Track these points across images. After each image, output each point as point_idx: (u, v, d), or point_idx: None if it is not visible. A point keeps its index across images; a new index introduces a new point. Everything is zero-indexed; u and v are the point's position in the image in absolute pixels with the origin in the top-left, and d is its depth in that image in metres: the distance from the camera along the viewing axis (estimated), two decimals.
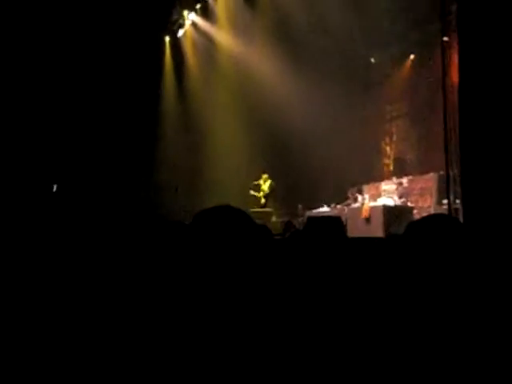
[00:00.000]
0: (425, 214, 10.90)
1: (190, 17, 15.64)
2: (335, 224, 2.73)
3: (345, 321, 1.96)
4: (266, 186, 13.47)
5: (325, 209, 12.33)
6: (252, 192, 13.43)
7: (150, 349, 1.65)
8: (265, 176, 13.49)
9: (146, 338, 1.70)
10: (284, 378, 1.59)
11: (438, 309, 1.94)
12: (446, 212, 8.52)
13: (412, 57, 12.69)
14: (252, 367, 1.57)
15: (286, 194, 13.98)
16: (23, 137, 13.20)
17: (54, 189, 13.92)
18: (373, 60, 13.63)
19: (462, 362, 1.75)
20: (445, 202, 9.34)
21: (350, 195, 12.47)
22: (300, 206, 13.27)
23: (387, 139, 14.18)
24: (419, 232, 2.18)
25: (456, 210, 7.70)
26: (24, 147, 13.11)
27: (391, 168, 13.39)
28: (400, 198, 11.14)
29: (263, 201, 13.45)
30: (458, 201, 7.59)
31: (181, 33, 16.20)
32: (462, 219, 6.65)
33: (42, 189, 13.60)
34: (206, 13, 15.18)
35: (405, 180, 11.79)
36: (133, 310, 1.94)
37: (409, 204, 11.09)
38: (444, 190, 9.05)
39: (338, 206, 12.34)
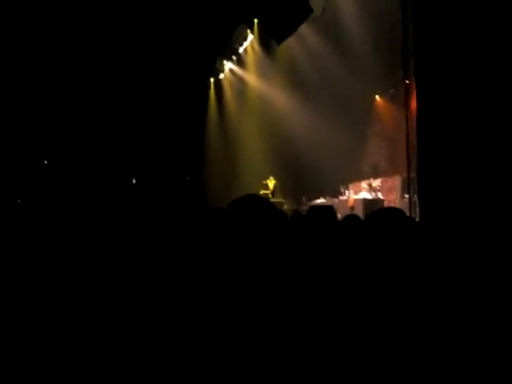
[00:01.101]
0: (392, 205, 10.88)
1: (228, 64, 15.68)
2: (329, 211, 2.77)
3: (333, 282, 1.85)
4: (271, 184, 13.52)
5: (322, 200, 12.29)
6: (262, 191, 13.38)
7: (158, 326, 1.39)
8: (271, 177, 13.53)
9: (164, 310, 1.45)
10: (283, 356, 1.36)
11: (399, 277, 1.77)
12: (407, 204, 8.47)
13: (384, 93, 12.59)
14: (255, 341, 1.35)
15: (294, 189, 13.96)
16: (103, 140, 13.27)
17: (134, 182, 14.07)
18: (357, 94, 13.51)
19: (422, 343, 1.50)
20: (406, 196, 9.28)
21: (341, 190, 12.42)
22: (304, 198, 13.25)
23: (366, 151, 14.07)
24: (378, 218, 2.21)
25: (414, 202, 7.63)
26: (106, 149, 13.15)
27: (369, 171, 13.29)
28: (374, 193, 11.08)
29: (270, 196, 13.43)
30: (415, 195, 7.52)
31: (221, 76, 16.25)
32: (418, 209, 6.64)
33: (123, 182, 13.69)
34: (240, 62, 15.21)
35: (378, 180, 11.72)
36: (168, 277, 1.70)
37: (381, 197, 10.99)
38: (406, 188, 8.98)
39: (332, 198, 12.31)
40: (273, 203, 1.75)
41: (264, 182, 13.54)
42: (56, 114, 13.07)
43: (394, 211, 2.10)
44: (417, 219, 6.55)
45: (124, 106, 13.67)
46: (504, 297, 1.79)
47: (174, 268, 1.83)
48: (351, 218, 2.83)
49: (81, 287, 1.87)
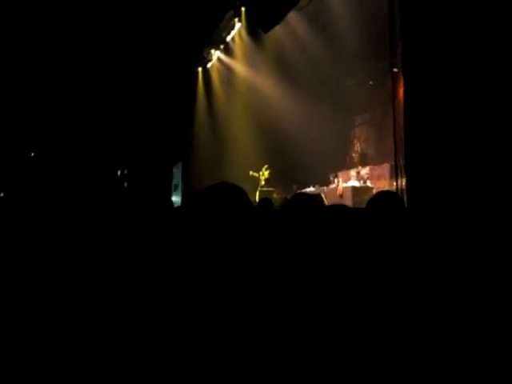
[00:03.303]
0: None
1: (216, 53, 15.61)
2: (314, 199, 2.77)
3: (320, 266, 1.84)
4: (266, 173, 13.54)
5: (311, 189, 12.35)
6: (251, 173, 13.45)
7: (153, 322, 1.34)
8: (265, 167, 13.56)
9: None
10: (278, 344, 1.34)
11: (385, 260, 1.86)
12: (395, 190, 8.54)
13: (372, 82, 12.64)
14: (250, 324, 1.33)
15: (285, 177, 13.98)
16: (94, 135, 13.21)
17: (119, 174, 14.02)
18: (345, 83, 13.58)
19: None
20: (394, 184, 9.34)
21: (330, 178, 12.47)
22: (294, 187, 13.30)
23: (355, 139, 14.15)
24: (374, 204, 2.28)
25: (402, 189, 7.71)
26: (92, 140, 13.08)
27: (358, 160, 13.38)
28: (363, 181, 11.17)
29: (263, 183, 13.48)
30: (403, 183, 7.58)
31: (209, 65, 16.18)
32: (406, 196, 6.73)
33: (109, 174, 13.63)
34: (227, 50, 15.14)
35: (367, 168, 11.80)
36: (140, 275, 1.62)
37: (369, 185, 11.07)
38: (394, 176, 9.05)
39: (321, 187, 12.38)
40: (260, 193, 1.73)
41: (260, 173, 13.57)
42: (40, 104, 12.94)
43: (389, 195, 2.17)
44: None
45: (110, 97, 13.58)
46: (489, 281, 1.83)
47: (154, 261, 1.78)
48: (338, 207, 2.84)
49: (65, 281, 1.83)
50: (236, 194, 1.53)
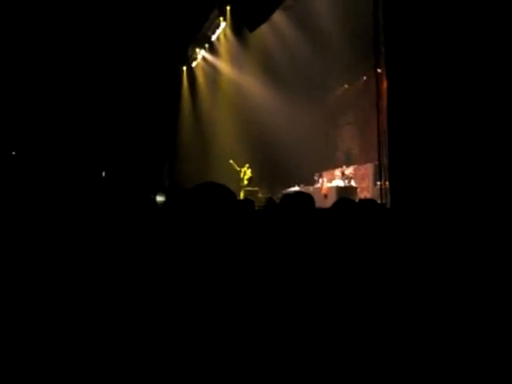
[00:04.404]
0: (365, 193, 11.03)
1: (201, 52, 15.60)
2: (306, 198, 2.72)
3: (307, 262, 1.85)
4: (248, 172, 13.52)
5: (296, 188, 12.36)
6: (231, 161, 13.43)
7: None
8: (247, 165, 13.55)
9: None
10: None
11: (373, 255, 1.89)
12: (378, 190, 8.62)
13: (356, 82, 12.72)
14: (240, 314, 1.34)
15: (270, 177, 14.00)
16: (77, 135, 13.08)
17: (103, 175, 13.89)
18: (330, 83, 13.63)
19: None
20: (378, 183, 9.43)
21: (315, 178, 12.52)
22: (278, 186, 13.29)
23: (339, 139, 14.25)
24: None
25: (385, 189, 7.78)
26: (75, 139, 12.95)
27: (342, 159, 13.46)
28: (348, 180, 11.24)
29: (246, 182, 13.42)
30: (387, 183, 7.65)
31: (194, 64, 16.15)
32: (390, 195, 6.82)
33: (94, 174, 13.49)
34: (212, 49, 15.14)
35: (351, 168, 11.87)
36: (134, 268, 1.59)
37: (354, 185, 11.14)
38: (377, 175, 9.13)
39: (306, 186, 12.41)
40: (244, 193, 1.73)
41: (236, 166, 13.55)
42: (22, 102, 12.75)
43: (366, 202, 2.20)
44: (387, 206, 6.73)
45: (93, 96, 13.44)
46: (471, 278, 1.87)
47: (138, 258, 1.75)
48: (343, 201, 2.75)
49: (48, 279, 1.77)
50: (224, 194, 1.53)
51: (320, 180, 12.16)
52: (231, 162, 13.43)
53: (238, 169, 13.47)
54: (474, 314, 1.60)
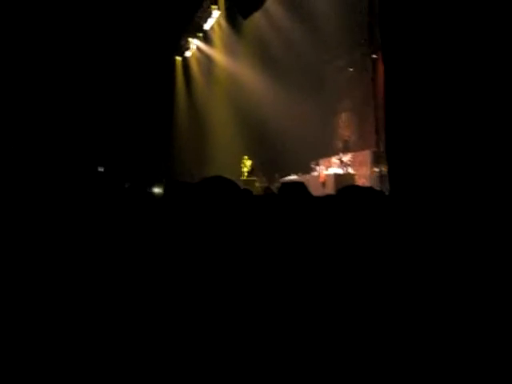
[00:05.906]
0: (362, 179, 11.00)
1: (195, 42, 15.48)
2: (301, 187, 2.75)
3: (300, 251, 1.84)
4: (248, 163, 13.51)
5: (294, 177, 12.32)
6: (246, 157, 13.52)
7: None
8: (246, 157, 13.52)
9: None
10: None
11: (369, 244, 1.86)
12: (377, 177, 8.62)
13: (352, 69, 12.62)
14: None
15: (267, 166, 13.93)
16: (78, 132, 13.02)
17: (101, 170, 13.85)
18: (326, 70, 13.53)
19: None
20: (376, 170, 9.43)
21: (312, 166, 12.50)
22: (276, 175, 13.26)
23: (337, 126, 14.18)
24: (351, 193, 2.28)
25: (383, 175, 7.77)
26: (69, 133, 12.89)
27: (340, 147, 13.40)
28: (345, 167, 11.20)
29: (246, 174, 13.46)
30: (384, 169, 7.63)
31: (188, 54, 16.04)
32: (389, 182, 6.79)
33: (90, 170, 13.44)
34: (206, 39, 15.03)
35: (349, 155, 11.82)
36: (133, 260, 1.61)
37: (351, 172, 11.09)
38: (375, 162, 9.13)
39: (304, 175, 12.37)
40: (241, 182, 1.75)
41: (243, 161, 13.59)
42: (17, 96, 12.65)
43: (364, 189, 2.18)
44: (387, 192, 6.71)
45: (86, 88, 13.33)
46: (470, 268, 1.83)
47: (142, 252, 1.74)
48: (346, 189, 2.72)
49: (46, 278, 1.75)
50: (230, 188, 1.57)
51: (317, 168, 12.12)
52: (245, 157, 13.43)
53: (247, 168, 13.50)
54: (477, 304, 1.58)
